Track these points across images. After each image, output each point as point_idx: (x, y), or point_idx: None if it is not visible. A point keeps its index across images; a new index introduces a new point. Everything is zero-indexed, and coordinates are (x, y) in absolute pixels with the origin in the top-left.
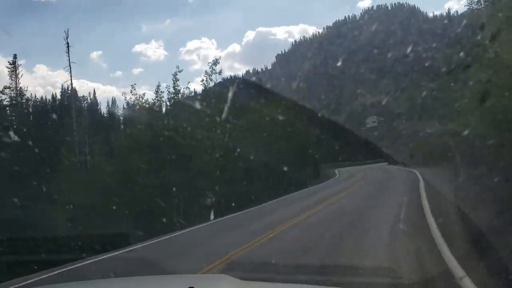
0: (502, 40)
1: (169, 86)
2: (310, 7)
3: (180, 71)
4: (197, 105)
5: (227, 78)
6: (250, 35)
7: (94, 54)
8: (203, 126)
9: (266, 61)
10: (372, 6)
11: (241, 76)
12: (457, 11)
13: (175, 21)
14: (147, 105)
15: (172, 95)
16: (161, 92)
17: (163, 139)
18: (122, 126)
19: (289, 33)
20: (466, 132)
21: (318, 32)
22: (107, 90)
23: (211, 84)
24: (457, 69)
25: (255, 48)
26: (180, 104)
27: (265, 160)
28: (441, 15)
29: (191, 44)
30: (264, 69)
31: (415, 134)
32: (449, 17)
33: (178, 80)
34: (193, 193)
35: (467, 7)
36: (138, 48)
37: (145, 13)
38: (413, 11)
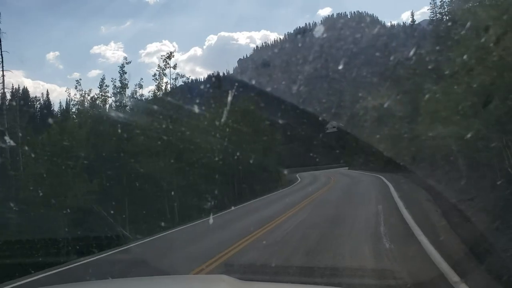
0: (506, 42)
1: (114, 79)
2: (271, 14)
3: (128, 63)
4: (149, 103)
5: (188, 81)
6: (212, 39)
7: (51, 55)
8: (155, 125)
9: (228, 66)
10: (332, 14)
11: (202, 80)
12: (414, 21)
13: (135, 23)
14: (88, 101)
15: (118, 90)
16: (106, 86)
17: (102, 137)
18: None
19: (251, 38)
20: (469, 135)
21: (280, 37)
22: (63, 92)
23: (166, 79)
24: (460, 71)
25: (217, 52)
26: (132, 101)
27: (224, 165)
28: (398, 25)
29: (152, 47)
30: (225, 73)
31: (417, 137)
32: (412, 26)
33: (125, 73)
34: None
35: (431, 15)
36: (96, 49)
37: (104, 14)
38: (372, 20)
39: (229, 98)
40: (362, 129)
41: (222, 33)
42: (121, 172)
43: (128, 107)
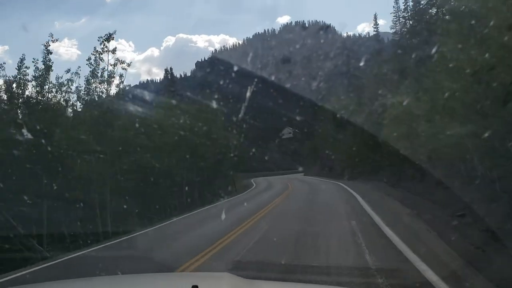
0: None
1: (36, 60)
2: (231, 19)
3: (54, 41)
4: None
5: (126, 68)
6: (170, 40)
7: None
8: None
9: (186, 68)
10: (291, 22)
11: (158, 81)
12: (368, 33)
13: (91, 20)
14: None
15: (41, 72)
16: (26, 68)
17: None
18: None
19: (210, 42)
20: (486, 134)
21: (238, 42)
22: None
23: (103, 65)
24: (481, 71)
25: (175, 54)
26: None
27: (164, 169)
28: (354, 36)
29: (107, 45)
30: (182, 75)
31: (434, 136)
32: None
33: (51, 53)
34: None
35: (394, 18)
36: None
37: (59, 9)
38: (328, 29)
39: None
40: (379, 126)
41: (181, 35)
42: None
43: (53, 94)
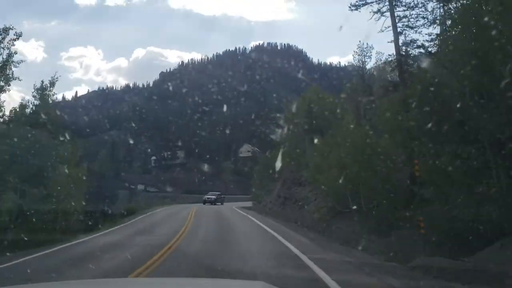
0: None
1: None
2: (207, 39)
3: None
4: None
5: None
6: (140, 52)
7: None
8: None
9: (151, 79)
10: (263, 43)
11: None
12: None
13: (61, 24)
14: None
15: None
16: None
17: None
18: None
19: (181, 58)
20: None
21: (208, 57)
22: None
23: None
24: None
25: (143, 66)
26: None
27: None
28: (325, 64)
29: (75, 51)
30: (145, 85)
31: None
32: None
33: None
34: None
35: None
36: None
37: (29, 8)
38: (300, 55)
39: None
40: None
41: (151, 48)
42: None
43: None
